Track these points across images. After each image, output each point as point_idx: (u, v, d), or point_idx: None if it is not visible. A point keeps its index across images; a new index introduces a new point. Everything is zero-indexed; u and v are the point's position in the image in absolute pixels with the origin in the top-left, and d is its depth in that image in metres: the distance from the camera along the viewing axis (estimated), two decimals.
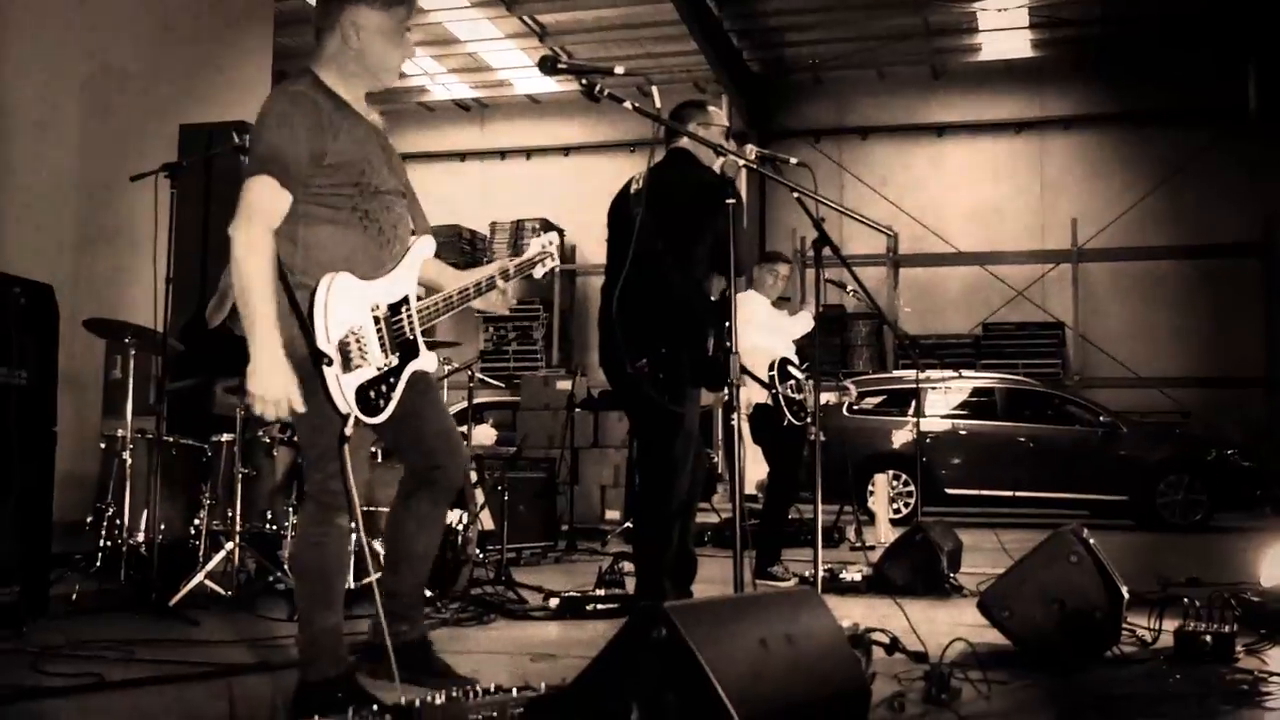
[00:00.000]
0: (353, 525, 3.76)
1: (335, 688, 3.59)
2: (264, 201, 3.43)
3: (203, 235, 8.08)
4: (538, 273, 4.20)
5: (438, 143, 21.92)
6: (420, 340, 3.71)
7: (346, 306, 3.47)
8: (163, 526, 6.04)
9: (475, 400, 8.24)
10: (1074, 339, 19.23)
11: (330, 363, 3.40)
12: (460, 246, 19.62)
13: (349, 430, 3.47)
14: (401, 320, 3.64)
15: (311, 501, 3.69)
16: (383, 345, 3.55)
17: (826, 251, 6.06)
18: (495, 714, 3.24)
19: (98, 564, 6.15)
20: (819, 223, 5.69)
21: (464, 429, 8.32)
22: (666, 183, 5.35)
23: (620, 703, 2.74)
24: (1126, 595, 4.73)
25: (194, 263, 8.03)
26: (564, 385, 11.77)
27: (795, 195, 4.69)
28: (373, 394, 3.51)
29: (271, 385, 3.32)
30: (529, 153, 21.84)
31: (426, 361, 3.74)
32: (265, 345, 3.33)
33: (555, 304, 20.03)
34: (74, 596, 5.66)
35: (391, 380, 3.58)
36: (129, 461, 6.24)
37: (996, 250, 19.69)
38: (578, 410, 11.62)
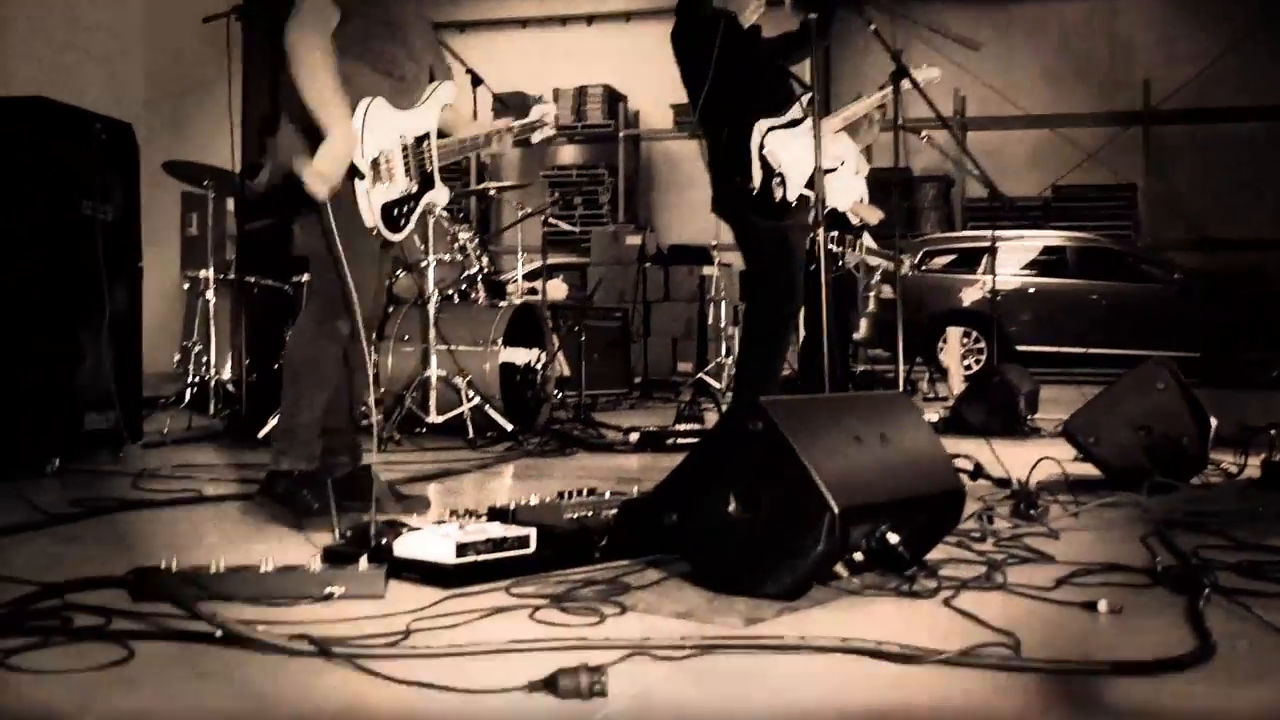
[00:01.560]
0: (350, 333, 3.85)
1: (302, 480, 3.76)
2: (317, 6, 3.62)
3: (273, 77, 8.06)
4: (535, 138, 4.36)
5: (499, 10, 21.68)
6: (437, 174, 3.92)
7: (379, 129, 3.68)
8: (247, 363, 6.12)
9: (541, 264, 8.28)
10: (1145, 201, 18.90)
11: (362, 177, 3.62)
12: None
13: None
14: (424, 152, 3.86)
15: (315, 300, 3.91)
16: (407, 171, 3.79)
17: (906, 86, 6.00)
18: (590, 513, 3.30)
19: (186, 400, 6.25)
20: (896, 55, 5.62)
21: (537, 283, 8.35)
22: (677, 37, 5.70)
23: (717, 496, 2.77)
24: (1215, 423, 4.70)
25: (266, 104, 8.03)
26: (634, 240, 11.76)
27: (872, 28, 4.64)
28: (395, 212, 3.78)
29: (337, 158, 3.51)
30: (590, 19, 21.54)
31: (439, 195, 3.95)
32: (338, 121, 3.53)
33: (620, 169, 19.90)
34: (165, 430, 5.78)
35: (411, 204, 3.84)
36: (212, 301, 6.31)
37: (1066, 113, 19.29)
38: (648, 265, 11.60)
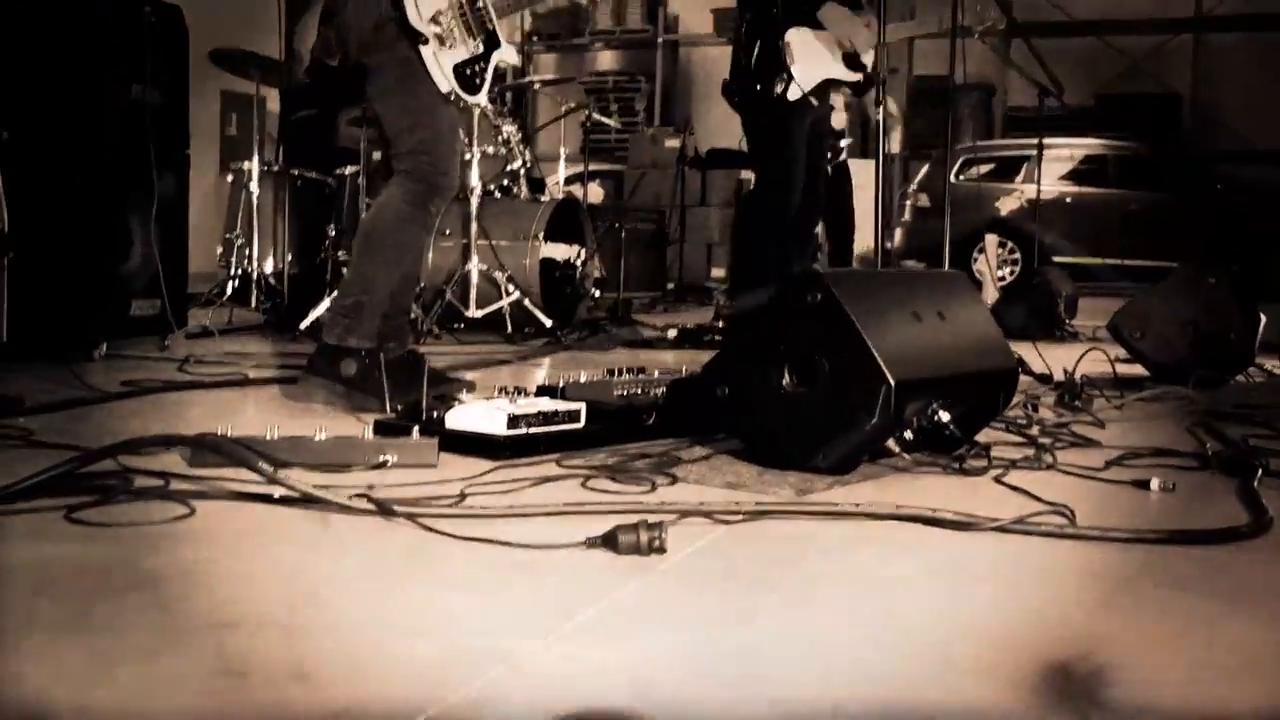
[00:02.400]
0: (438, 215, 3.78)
1: (373, 361, 3.55)
2: None
3: None
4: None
5: None
6: (499, 30, 3.77)
7: None
8: (290, 257, 6.13)
9: (580, 169, 8.24)
10: (1190, 112, 18.64)
11: (426, 41, 3.52)
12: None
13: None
14: (481, 6, 3.72)
15: (409, 179, 3.66)
16: (468, 28, 3.65)
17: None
18: (639, 390, 3.31)
19: (229, 293, 6.28)
20: None
21: (577, 186, 8.31)
22: None
23: (770, 369, 2.77)
24: (1263, 319, 4.67)
25: None
26: (672, 144, 11.66)
27: None
28: (469, 72, 3.64)
29: None
30: None
31: (508, 53, 3.81)
32: None
33: (658, 75, 19.72)
34: (207, 322, 5.81)
35: (482, 64, 3.70)
36: (255, 194, 6.31)
37: (1113, 19, 18.98)
38: (686, 169, 11.52)
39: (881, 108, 4.37)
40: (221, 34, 6.52)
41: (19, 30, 4.40)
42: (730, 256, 5.78)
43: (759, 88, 5.64)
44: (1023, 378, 4.46)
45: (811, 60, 5.59)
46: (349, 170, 6.33)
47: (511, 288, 6.10)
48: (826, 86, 5.69)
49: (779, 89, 5.51)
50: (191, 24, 5.34)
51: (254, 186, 6.29)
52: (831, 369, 2.68)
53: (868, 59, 5.81)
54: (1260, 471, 2.74)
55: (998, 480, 2.74)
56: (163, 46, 5.10)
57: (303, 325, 5.65)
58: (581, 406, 3.02)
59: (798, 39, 5.58)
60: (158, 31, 5.06)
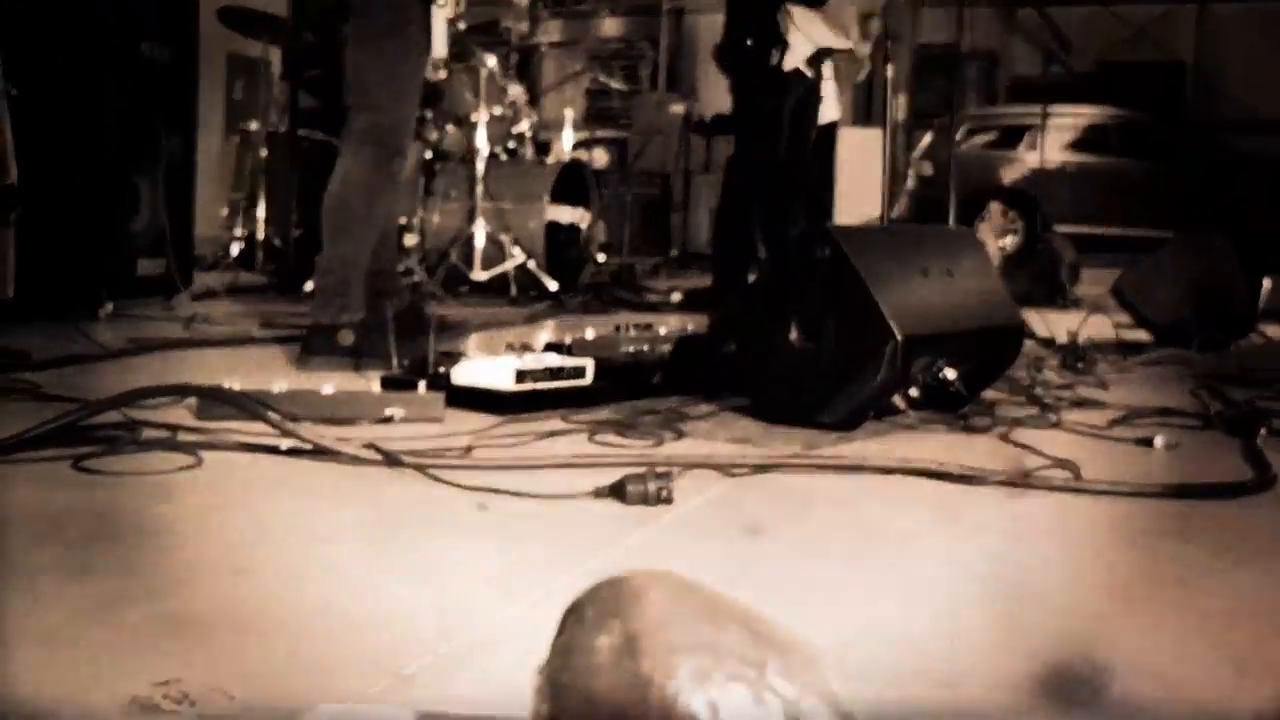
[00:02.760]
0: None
1: (369, 327, 3.52)
2: None
3: None
4: None
5: None
6: None
7: None
8: (295, 219, 6.12)
9: (584, 135, 8.23)
10: (1194, 81, 18.59)
11: (441, 4, 3.49)
12: None
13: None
14: None
15: (367, 143, 3.60)
16: None
17: None
18: (645, 347, 3.31)
19: (234, 255, 6.28)
20: None
21: (582, 152, 8.30)
22: None
23: (777, 324, 2.77)
24: (1267, 283, 4.67)
25: None
26: (677, 109, 11.63)
27: None
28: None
29: None
30: None
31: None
32: None
33: (662, 43, 19.65)
34: (212, 283, 5.81)
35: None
36: (263, 154, 6.30)
37: None
38: (691, 135, 11.49)
39: (890, 73, 4.35)
40: None
41: None
42: (714, 226, 5.77)
43: (754, 56, 5.57)
44: (1026, 342, 4.49)
45: (809, 30, 5.55)
46: None
47: (517, 250, 6.10)
48: (820, 57, 5.66)
49: (774, 59, 5.47)
50: None
51: (260, 149, 6.27)
52: (839, 324, 2.69)
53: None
54: (1264, 431, 2.75)
55: (1003, 438, 2.74)
56: (172, 4, 5.08)
57: (307, 287, 5.65)
58: (589, 363, 3.02)
59: (798, 10, 5.53)
60: None
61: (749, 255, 5.51)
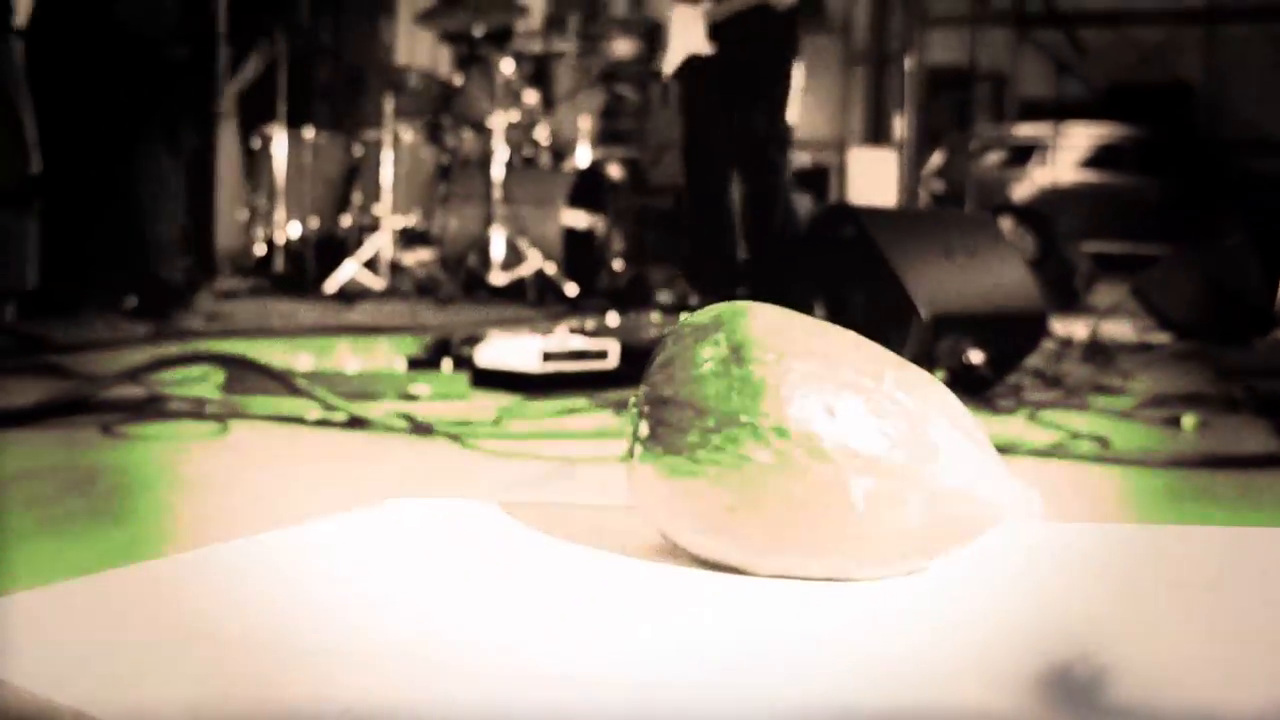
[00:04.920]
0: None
1: None
2: None
3: None
4: None
5: None
6: None
7: None
8: (315, 221, 6.14)
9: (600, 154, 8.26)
10: (1202, 101, 18.61)
11: None
12: None
13: None
14: None
15: None
16: None
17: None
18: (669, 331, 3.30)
19: (254, 253, 6.30)
20: None
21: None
22: None
23: (802, 303, 2.77)
24: None
25: None
26: None
27: None
28: None
29: None
30: None
31: None
32: None
33: None
34: (233, 281, 5.82)
35: None
36: (281, 158, 6.32)
37: (1126, 8, 18.95)
38: None
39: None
40: None
41: None
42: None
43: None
44: (1045, 341, 4.49)
45: (681, 35, 5.39)
46: (372, 135, 6.34)
47: (534, 254, 6.10)
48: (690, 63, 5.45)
49: (659, 59, 5.44)
50: None
51: (280, 151, 6.29)
52: (864, 302, 2.69)
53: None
54: None
55: (1031, 417, 2.73)
56: (191, 4, 5.10)
57: (328, 287, 5.67)
58: (614, 345, 3.02)
59: (675, 14, 5.41)
60: None
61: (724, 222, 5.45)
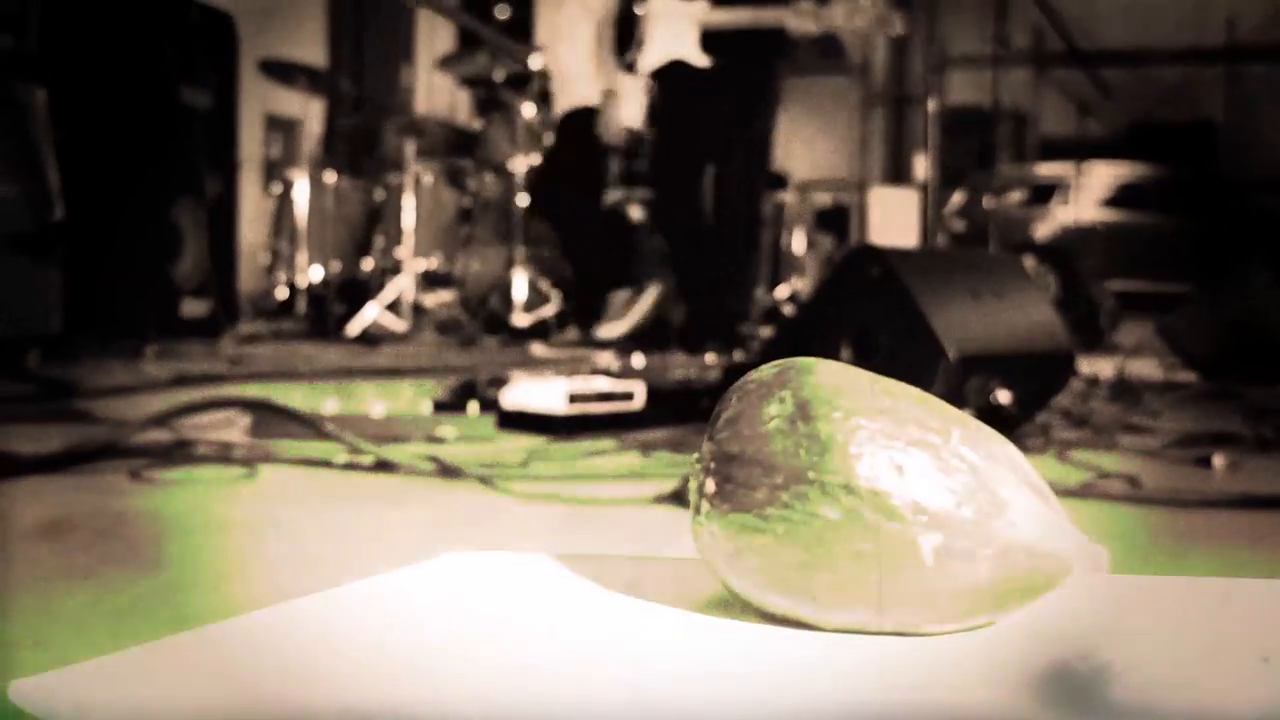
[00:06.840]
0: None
1: None
2: None
3: None
4: None
5: None
6: None
7: None
8: (337, 265, 6.17)
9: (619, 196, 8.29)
10: (1224, 140, 18.61)
11: None
12: None
13: None
14: None
15: None
16: None
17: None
18: (694, 372, 3.31)
19: (277, 300, 6.32)
20: None
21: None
22: None
23: (829, 344, 2.76)
24: None
25: None
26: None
27: None
28: None
29: None
30: None
31: None
32: None
33: None
34: (255, 327, 5.84)
35: None
36: (302, 202, 6.36)
37: (1147, 47, 18.99)
38: None
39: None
40: (266, 46, 6.58)
41: (71, 24, 4.45)
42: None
43: None
44: (1071, 379, 4.47)
45: (665, 34, 5.22)
46: (394, 179, 6.37)
47: (556, 296, 6.11)
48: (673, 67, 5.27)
49: (633, 56, 5.27)
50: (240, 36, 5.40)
51: (301, 196, 6.32)
52: (890, 343, 2.68)
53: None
54: None
55: (1060, 456, 2.72)
56: (213, 50, 5.15)
57: (350, 330, 5.68)
58: (640, 386, 3.02)
59: (660, 5, 5.17)
60: (208, 35, 5.11)
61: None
